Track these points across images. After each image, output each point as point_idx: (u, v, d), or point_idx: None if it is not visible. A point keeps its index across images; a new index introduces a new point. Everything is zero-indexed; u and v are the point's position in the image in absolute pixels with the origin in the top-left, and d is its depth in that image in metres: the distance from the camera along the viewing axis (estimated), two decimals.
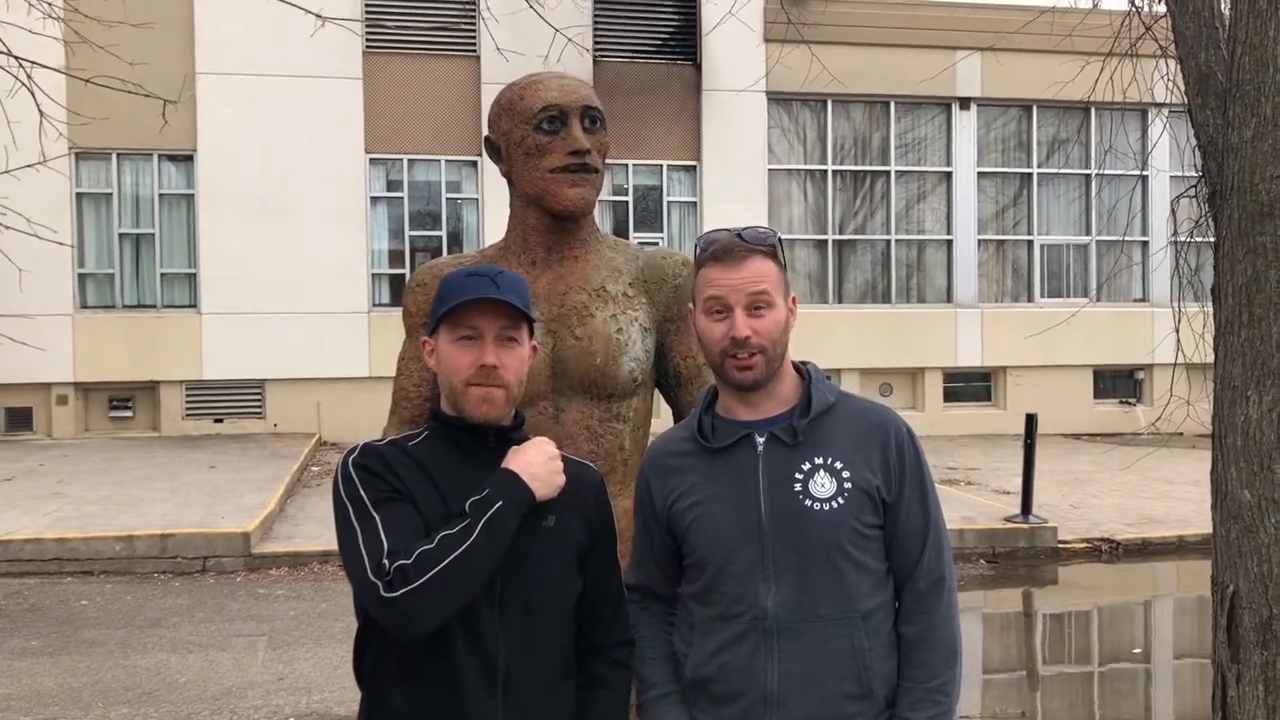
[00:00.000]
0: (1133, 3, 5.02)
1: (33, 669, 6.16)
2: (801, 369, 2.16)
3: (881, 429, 2.10)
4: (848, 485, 2.04)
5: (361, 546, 1.88)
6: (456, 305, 1.97)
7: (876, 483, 2.06)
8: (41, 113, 6.02)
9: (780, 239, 2.15)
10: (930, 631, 2.07)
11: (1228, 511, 3.07)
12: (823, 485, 2.04)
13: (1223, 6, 3.51)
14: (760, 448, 2.07)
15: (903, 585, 2.09)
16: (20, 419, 13.92)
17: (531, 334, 2.07)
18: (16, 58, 5.71)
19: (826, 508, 2.03)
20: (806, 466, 2.05)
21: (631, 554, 2.24)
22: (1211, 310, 3.24)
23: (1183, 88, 3.63)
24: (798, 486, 2.04)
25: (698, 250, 2.13)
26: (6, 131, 6.53)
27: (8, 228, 5.87)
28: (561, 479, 2.00)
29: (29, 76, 5.68)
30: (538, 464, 1.97)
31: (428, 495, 1.96)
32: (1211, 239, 3.35)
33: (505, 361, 1.99)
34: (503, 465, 1.96)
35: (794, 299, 2.14)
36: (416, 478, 1.98)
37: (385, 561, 1.84)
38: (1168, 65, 4.41)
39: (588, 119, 2.53)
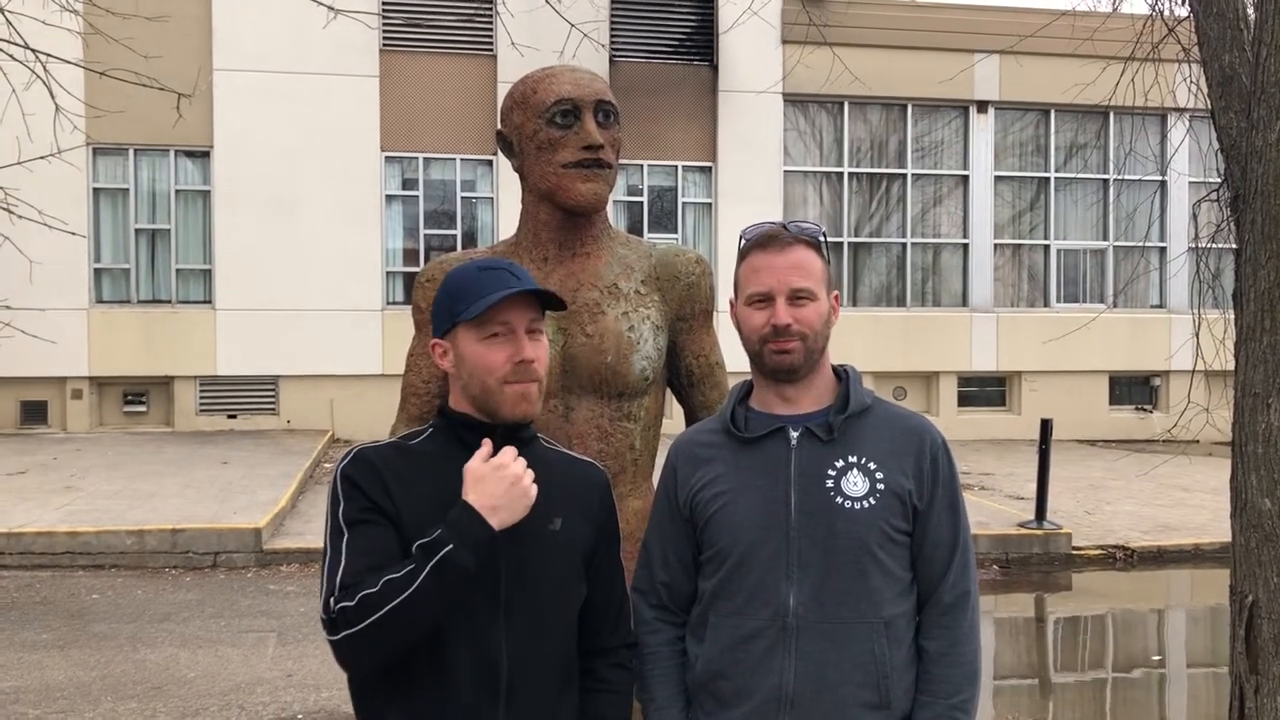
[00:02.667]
0: (1154, 6, 4.96)
1: (43, 662, 6.16)
2: (840, 370, 2.14)
3: (917, 436, 2.08)
4: (880, 486, 2.01)
5: (325, 573, 1.86)
6: (490, 305, 1.90)
7: (909, 487, 2.02)
8: (57, 106, 6.03)
9: (826, 235, 2.13)
10: (953, 647, 2.02)
11: (1247, 520, 3.03)
12: (855, 484, 2.01)
13: (1248, 8, 3.46)
14: (794, 441, 2.04)
15: (927, 598, 2.04)
16: (35, 412, 13.98)
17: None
18: (34, 50, 5.71)
19: (858, 506, 1.99)
20: (840, 464, 2.02)
21: (640, 555, 2.20)
22: (1232, 316, 3.20)
23: (1206, 90, 3.58)
24: (830, 483, 2.01)
25: (742, 241, 2.11)
26: (22, 124, 6.55)
27: (20, 217, 5.88)
28: (530, 498, 1.87)
29: (45, 70, 5.68)
30: (498, 493, 1.84)
31: (427, 496, 1.90)
32: (1233, 244, 3.31)
33: (538, 355, 1.95)
34: (462, 494, 1.85)
35: (836, 295, 2.12)
36: (415, 479, 1.92)
37: (332, 599, 1.80)
38: (1190, 68, 4.35)
39: (601, 113, 2.49)
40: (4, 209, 5.74)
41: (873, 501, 2.00)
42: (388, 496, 1.89)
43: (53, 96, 5.91)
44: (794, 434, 2.05)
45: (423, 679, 1.87)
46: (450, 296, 1.96)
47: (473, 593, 1.87)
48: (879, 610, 1.99)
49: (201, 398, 14.32)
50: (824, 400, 2.09)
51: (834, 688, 1.97)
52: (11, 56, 5.65)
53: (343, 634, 1.79)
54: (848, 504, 1.99)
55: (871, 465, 2.02)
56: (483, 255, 2.57)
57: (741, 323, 2.09)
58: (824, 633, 1.98)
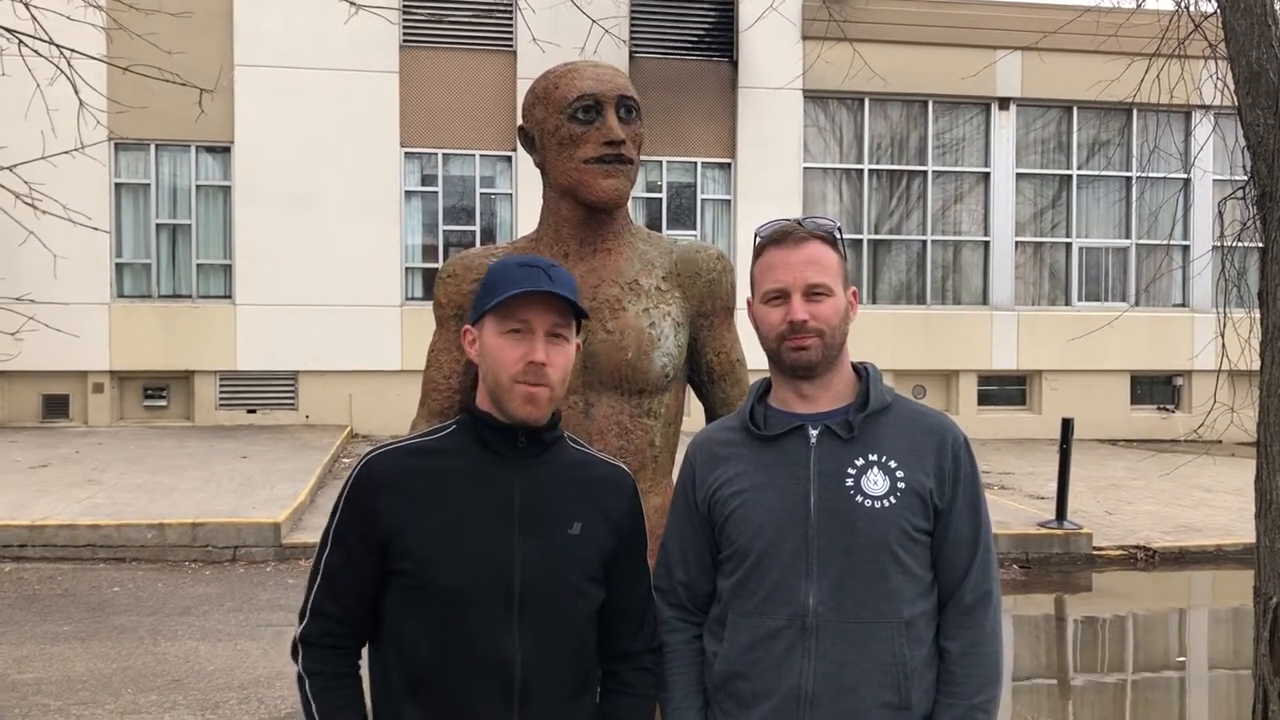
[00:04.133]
0: (1180, 1, 4.92)
1: (64, 654, 6.21)
2: (860, 368, 2.12)
3: (938, 434, 2.06)
4: (901, 485, 1.99)
5: (308, 578, 1.99)
6: (509, 297, 1.89)
7: (930, 486, 2.00)
8: (81, 101, 6.05)
9: (841, 230, 2.11)
10: (975, 647, 2.00)
11: (1272, 521, 3.01)
12: (876, 483, 1.98)
13: (1275, 4, 3.43)
14: (813, 440, 2.02)
15: (948, 598, 2.02)
16: (57, 406, 14.08)
17: (579, 331, 2.01)
18: (58, 45, 5.74)
19: (878, 505, 1.97)
20: (860, 462, 2.00)
21: (659, 554, 2.19)
22: (1258, 315, 3.17)
23: (1232, 87, 3.55)
24: (850, 482, 1.99)
25: (757, 239, 2.10)
26: (46, 119, 6.59)
27: (44, 212, 5.91)
28: None
29: (69, 65, 5.70)
30: None
31: (443, 497, 1.91)
32: (1259, 242, 3.28)
33: (553, 359, 1.92)
34: None
35: (854, 291, 2.10)
36: (430, 479, 1.92)
37: (297, 631, 1.96)
38: (1216, 65, 4.31)
39: (623, 109, 2.48)
40: (29, 204, 5.77)
41: (893, 500, 1.98)
42: (379, 517, 1.91)
43: (76, 92, 5.93)
44: (813, 432, 2.03)
45: (437, 681, 1.87)
46: (485, 286, 1.97)
47: (487, 596, 1.87)
48: (899, 610, 1.97)
49: (221, 392, 14.40)
50: (843, 398, 2.07)
51: (854, 688, 1.96)
52: (36, 51, 5.68)
53: (296, 663, 1.96)
54: (868, 503, 1.97)
55: (892, 464, 2.00)
56: (503, 251, 2.57)
57: (758, 321, 2.08)
58: (843, 633, 1.96)
